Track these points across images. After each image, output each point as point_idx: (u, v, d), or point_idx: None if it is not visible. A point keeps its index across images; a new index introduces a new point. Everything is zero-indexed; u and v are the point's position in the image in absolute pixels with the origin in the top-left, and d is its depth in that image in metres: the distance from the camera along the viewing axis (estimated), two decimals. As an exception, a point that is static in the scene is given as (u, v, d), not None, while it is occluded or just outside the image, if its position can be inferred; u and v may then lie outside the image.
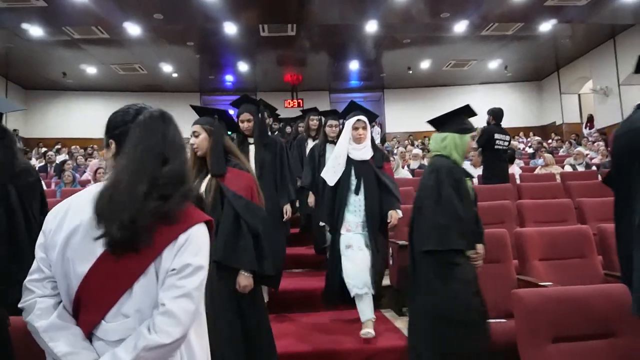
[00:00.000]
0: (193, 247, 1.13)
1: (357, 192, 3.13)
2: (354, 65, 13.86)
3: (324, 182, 3.25)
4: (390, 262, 3.63)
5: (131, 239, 1.06)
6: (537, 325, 1.75)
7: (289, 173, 3.61)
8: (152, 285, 1.10)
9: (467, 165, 6.88)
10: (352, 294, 2.97)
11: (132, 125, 1.17)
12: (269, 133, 4.61)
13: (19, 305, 1.14)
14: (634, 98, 12.09)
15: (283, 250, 3.60)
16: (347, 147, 3.20)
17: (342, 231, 3.11)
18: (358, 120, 3.18)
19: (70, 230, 1.10)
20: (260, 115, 3.52)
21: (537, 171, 7.09)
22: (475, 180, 6.04)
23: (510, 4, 9.16)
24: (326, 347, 2.88)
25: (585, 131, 13.22)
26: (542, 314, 1.75)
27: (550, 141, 11.95)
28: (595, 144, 9.47)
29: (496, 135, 5.05)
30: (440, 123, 2.48)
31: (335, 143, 4.39)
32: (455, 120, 2.46)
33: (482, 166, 6.59)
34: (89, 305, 1.10)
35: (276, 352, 2.48)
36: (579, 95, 14.92)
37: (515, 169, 6.08)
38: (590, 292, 1.86)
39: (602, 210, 3.84)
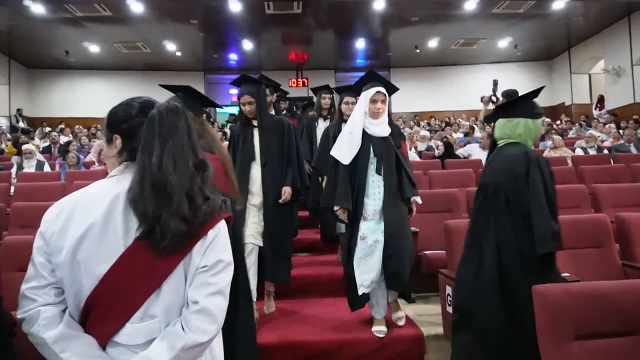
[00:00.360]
0: (222, 243, 1.11)
1: (379, 172, 2.81)
2: (360, 44, 13.60)
3: (335, 162, 2.88)
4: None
5: (187, 233, 1.03)
6: (559, 322, 1.68)
7: (297, 158, 3.27)
8: (181, 284, 1.06)
9: (476, 147, 6.77)
10: (359, 292, 2.75)
11: (145, 119, 1.09)
12: (274, 113, 4.46)
13: (18, 316, 1.06)
14: (648, 78, 11.89)
15: (290, 243, 3.41)
16: (363, 121, 2.86)
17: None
18: (378, 92, 2.81)
19: (82, 232, 1.03)
20: (260, 94, 3.19)
21: (545, 154, 6.96)
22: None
23: (523, -20, 8.89)
24: (335, 337, 2.84)
25: (595, 112, 12.99)
26: (564, 311, 1.69)
27: (559, 122, 11.75)
28: (607, 125, 9.28)
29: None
30: (511, 108, 2.25)
31: None
32: (527, 105, 2.23)
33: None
34: (111, 308, 1.03)
35: (256, 342, 2.49)
36: (590, 75, 14.63)
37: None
38: (615, 287, 1.79)
39: (618, 197, 3.76)
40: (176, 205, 1.01)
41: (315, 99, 5.05)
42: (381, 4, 10.19)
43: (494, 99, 5.22)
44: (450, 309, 2.59)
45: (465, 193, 3.89)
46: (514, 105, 2.24)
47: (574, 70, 14.62)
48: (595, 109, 13.17)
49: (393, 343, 2.78)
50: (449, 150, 6.51)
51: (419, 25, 11.97)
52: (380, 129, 2.86)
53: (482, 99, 5.38)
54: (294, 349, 2.76)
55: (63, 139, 9.16)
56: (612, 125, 9.16)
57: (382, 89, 2.84)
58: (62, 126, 12.40)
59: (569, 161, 5.79)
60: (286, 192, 3.19)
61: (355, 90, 3.36)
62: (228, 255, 1.11)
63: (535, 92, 2.27)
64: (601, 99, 13.11)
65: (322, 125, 4.56)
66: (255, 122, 3.22)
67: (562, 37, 13.59)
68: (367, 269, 2.75)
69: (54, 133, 9.42)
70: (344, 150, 2.84)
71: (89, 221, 1.03)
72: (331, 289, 3.59)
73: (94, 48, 12.93)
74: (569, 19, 11.87)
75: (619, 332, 1.70)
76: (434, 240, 3.41)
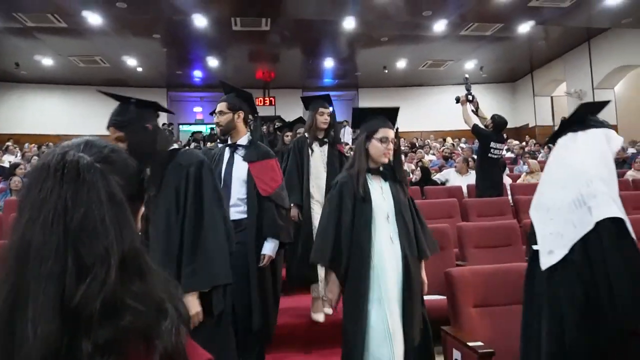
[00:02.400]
0: None
1: None
2: (328, 63, 13.43)
3: None
4: None
5: None
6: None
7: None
8: None
9: (453, 172, 6.56)
10: None
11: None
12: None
13: None
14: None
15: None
16: None
17: None
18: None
19: None
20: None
21: (522, 179, 6.86)
22: (465, 191, 5.73)
23: (494, 2, 8.93)
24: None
25: (559, 134, 13.22)
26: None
27: (526, 145, 11.85)
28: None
29: (492, 144, 4.73)
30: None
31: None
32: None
33: (469, 174, 6.31)
34: None
35: None
36: (552, 97, 14.98)
37: (505, 179, 5.78)
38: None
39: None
40: None
41: (305, 115, 4.12)
42: (351, 23, 10.03)
43: (469, 97, 4.99)
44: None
45: (454, 227, 3.58)
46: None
47: (537, 92, 14.94)
48: (559, 130, 13.41)
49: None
50: (427, 175, 6.27)
51: (387, 45, 11.92)
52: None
53: (457, 99, 5.07)
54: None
55: (8, 158, 8.37)
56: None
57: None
58: (9, 143, 11.42)
59: (549, 187, 5.63)
60: None
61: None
62: None
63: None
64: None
65: (317, 152, 3.49)
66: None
67: (525, 60, 13.89)
68: None
69: (-2, 152, 8.61)
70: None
71: None
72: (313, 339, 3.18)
73: (47, 61, 12.15)
74: (532, 42, 12.12)
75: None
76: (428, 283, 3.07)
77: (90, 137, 0.73)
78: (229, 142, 2.70)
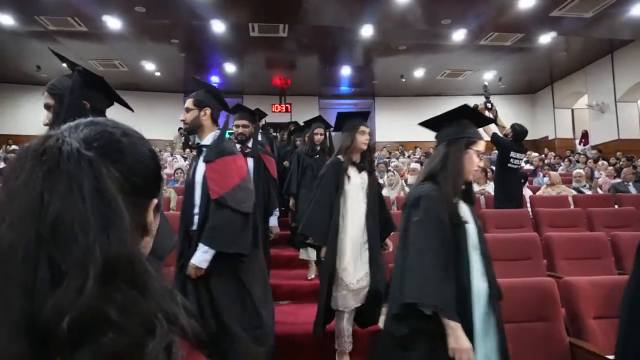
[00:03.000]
0: None
1: None
2: (345, 71, 13.37)
3: None
4: None
5: None
6: None
7: None
8: None
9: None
10: None
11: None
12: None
13: None
14: (632, 115, 11.92)
15: None
16: None
17: None
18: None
19: None
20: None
21: (542, 191, 6.66)
22: (483, 200, 5.56)
23: (515, 12, 8.78)
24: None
25: (580, 147, 12.95)
26: None
27: (545, 157, 11.60)
28: (599, 162, 9.06)
29: (512, 153, 4.57)
30: None
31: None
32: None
33: (487, 184, 6.15)
34: None
35: None
36: (572, 110, 14.69)
37: (525, 190, 5.60)
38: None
39: None
40: None
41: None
42: (369, 31, 9.97)
43: (489, 105, 4.82)
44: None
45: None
46: None
47: (557, 104, 14.67)
48: (580, 144, 13.13)
49: None
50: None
51: (405, 54, 11.82)
52: None
53: (476, 107, 4.90)
54: None
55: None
56: (604, 162, 8.97)
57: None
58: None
59: (570, 200, 5.45)
60: None
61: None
62: None
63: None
64: (585, 135, 13.10)
65: (356, 179, 3.08)
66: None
67: (545, 71, 13.65)
68: None
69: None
70: None
71: None
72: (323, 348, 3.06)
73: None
74: (553, 53, 11.90)
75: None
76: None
77: (102, 118, 0.63)
78: (197, 142, 2.54)
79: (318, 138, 4.36)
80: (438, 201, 1.68)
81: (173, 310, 0.53)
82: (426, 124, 1.92)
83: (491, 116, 4.87)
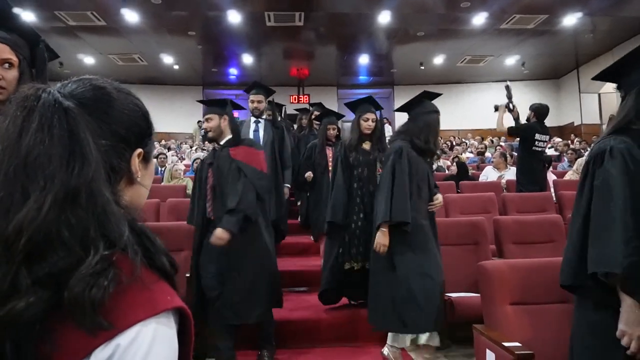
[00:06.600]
0: None
1: None
2: (363, 60, 13.20)
3: None
4: None
5: None
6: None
7: None
8: None
9: (490, 169, 6.24)
10: None
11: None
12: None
13: None
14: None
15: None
16: None
17: None
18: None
19: None
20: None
21: (567, 176, 6.46)
22: (504, 182, 5.42)
23: (537, -8, 8.50)
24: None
25: (607, 132, 12.50)
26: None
27: (571, 143, 11.27)
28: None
29: (537, 135, 4.40)
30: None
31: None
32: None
33: (507, 169, 5.99)
34: None
35: None
36: (599, 94, 14.20)
37: (549, 175, 5.43)
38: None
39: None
40: None
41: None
42: (386, 17, 9.80)
43: (510, 106, 4.66)
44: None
45: (491, 222, 3.33)
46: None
47: (583, 89, 14.20)
48: (607, 129, 12.69)
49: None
50: (463, 171, 5.97)
51: (424, 41, 11.59)
52: None
53: (496, 108, 4.77)
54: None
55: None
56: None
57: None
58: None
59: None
60: None
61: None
62: None
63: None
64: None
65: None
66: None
67: (570, 54, 13.19)
68: None
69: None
70: None
71: None
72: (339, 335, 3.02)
73: (88, 60, 12.54)
74: (578, 36, 11.47)
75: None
76: (459, 279, 2.85)
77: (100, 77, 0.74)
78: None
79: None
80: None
81: (129, 239, 0.59)
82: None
83: (512, 117, 4.73)
